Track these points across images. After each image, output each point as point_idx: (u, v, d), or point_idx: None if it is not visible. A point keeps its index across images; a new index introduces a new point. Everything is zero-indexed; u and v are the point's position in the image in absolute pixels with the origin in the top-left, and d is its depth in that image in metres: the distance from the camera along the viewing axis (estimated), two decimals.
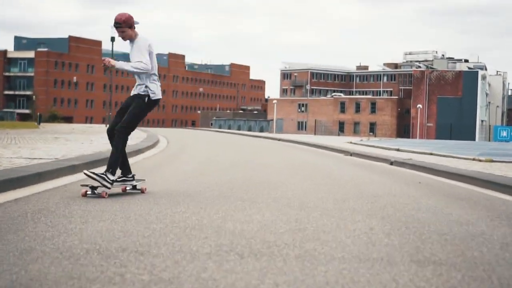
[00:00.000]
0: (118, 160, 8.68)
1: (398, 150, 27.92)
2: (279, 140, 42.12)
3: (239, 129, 75.45)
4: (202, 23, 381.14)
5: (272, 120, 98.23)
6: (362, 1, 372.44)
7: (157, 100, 8.90)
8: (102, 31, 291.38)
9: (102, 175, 8.44)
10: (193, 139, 38.64)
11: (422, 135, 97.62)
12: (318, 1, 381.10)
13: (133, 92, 8.90)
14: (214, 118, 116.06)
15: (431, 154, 23.65)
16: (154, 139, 30.33)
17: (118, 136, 8.68)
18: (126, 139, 8.80)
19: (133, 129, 8.87)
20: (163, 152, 22.42)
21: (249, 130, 70.67)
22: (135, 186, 8.99)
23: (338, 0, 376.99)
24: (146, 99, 8.79)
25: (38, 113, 47.16)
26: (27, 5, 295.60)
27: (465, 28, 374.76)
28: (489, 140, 68.42)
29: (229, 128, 72.38)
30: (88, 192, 8.37)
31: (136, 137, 29.90)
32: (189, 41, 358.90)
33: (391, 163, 18.49)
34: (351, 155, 23.67)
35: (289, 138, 44.46)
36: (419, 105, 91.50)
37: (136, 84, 8.92)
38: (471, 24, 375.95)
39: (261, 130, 63.59)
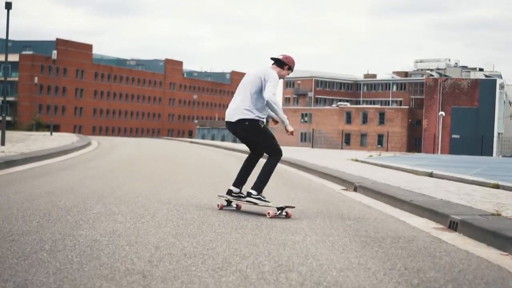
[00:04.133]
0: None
1: (431, 175, 18.17)
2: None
3: (223, 139, 65.77)
4: (207, 33, 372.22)
5: (273, 128, 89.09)
6: (370, 14, 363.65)
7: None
8: (109, 41, 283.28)
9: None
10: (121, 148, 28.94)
11: (435, 148, 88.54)
12: (325, 13, 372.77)
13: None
14: (198, 127, 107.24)
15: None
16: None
17: None
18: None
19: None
20: None
21: (234, 141, 60.98)
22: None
23: (345, 12, 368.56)
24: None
25: None
26: (36, 14, 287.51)
27: (473, 42, 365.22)
28: None
29: (212, 139, 63.02)
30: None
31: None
32: (195, 52, 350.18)
33: (452, 225, 8.58)
34: (355, 189, 13.80)
35: None
36: (442, 113, 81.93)
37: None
38: (479, 37, 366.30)
39: None
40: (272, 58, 9.44)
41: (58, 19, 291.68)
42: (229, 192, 9.46)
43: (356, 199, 12.05)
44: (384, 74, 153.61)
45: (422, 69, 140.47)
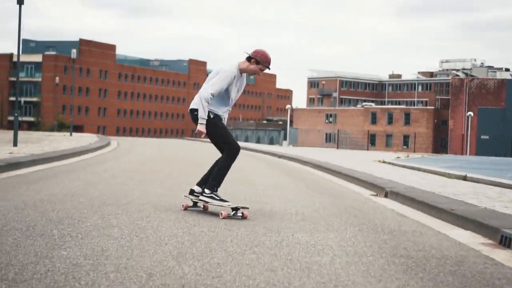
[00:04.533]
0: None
1: (465, 178, 16.91)
2: (278, 156, 30.50)
3: (246, 140, 64.57)
4: (229, 35, 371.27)
5: (297, 129, 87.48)
6: (395, 14, 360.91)
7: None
8: (132, 42, 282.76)
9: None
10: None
11: (463, 149, 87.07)
12: (350, 13, 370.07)
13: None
14: None
15: None
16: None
17: None
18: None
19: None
20: None
21: (258, 141, 59.76)
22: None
23: (370, 12, 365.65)
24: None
25: None
26: (56, 14, 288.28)
27: (499, 42, 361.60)
28: None
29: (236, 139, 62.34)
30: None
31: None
32: (218, 53, 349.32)
33: (504, 241, 7.37)
34: (386, 195, 12.55)
35: (292, 153, 32.80)
36: (470, 113, 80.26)
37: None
38: (505, 37, 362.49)
39: (271, 142, 52.22)
40: (245, 52, 8.96)
41: (83, 21, 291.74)
42: (191, 192, 8.97)
43: (388, 206, 10.82)
44: (409, 74, 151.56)
45: (447, 69, 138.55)
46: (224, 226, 7.52)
